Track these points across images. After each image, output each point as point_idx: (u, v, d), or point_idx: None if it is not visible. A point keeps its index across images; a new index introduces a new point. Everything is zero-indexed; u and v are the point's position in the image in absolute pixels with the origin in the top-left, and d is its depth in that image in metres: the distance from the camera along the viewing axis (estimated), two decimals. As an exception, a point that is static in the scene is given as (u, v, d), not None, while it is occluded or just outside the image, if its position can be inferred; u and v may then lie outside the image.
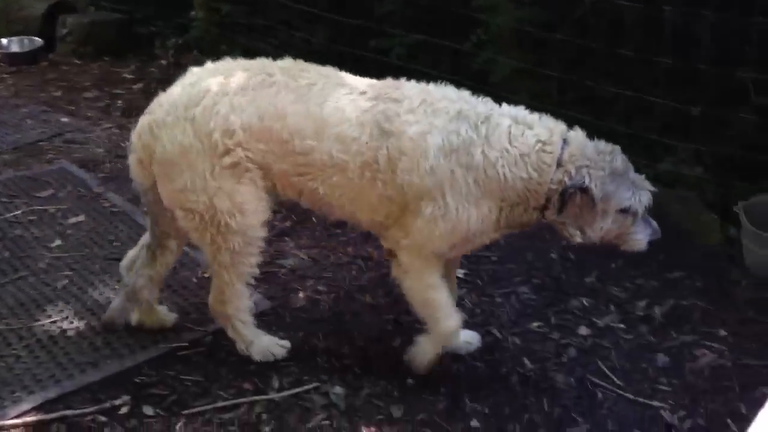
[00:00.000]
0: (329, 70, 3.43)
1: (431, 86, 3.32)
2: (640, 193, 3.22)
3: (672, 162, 4.97)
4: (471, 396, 3.53)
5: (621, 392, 3.56)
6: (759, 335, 3.93)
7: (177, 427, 3.35)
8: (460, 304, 4.08)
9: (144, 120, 3.40)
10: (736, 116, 4.76)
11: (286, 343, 3.75)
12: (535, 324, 3.96)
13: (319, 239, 4.71)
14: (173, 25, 7.86)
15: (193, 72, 3.43)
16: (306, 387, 3.57)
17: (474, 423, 3.40)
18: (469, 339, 3.78)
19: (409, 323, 3.96)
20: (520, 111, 3.29)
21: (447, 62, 6.04)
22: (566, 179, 3.15)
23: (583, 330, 3.93)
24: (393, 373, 3.67)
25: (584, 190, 3.15)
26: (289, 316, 4.02)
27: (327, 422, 3.40)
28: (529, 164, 3.17)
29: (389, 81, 3.38)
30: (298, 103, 3.27)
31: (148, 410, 3.43)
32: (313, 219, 4.82)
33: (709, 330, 3.96)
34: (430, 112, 3.19)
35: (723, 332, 3.95)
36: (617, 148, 3.26)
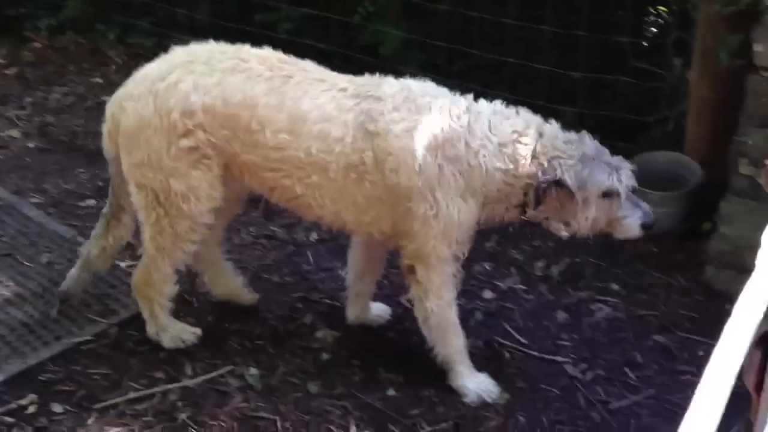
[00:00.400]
0: (308, 64, 3.29)
1: (411, 82, 3.23)
2: (618, 174, 3.12)
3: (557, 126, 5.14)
4: (385, 366, 3.61)
5: (527, 350, 3.72)
6: (648, 287, 4.17)
7: (89, 422, 3.30)
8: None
9: (118, 91, 3.37)
10: (615, 79, 4.97)
11: (197, 330, 3.72)
12: (442, 292, 4.06)
13: (220, 221, 4.65)
14: (45, 5, 7.52)
15: (175, 50, 3.37)
16: (220, 371, 3.56)
17: (390, 392, 3.49)
18: (379, 312, 3.85)
19: (318, 300, 4.01)
20: (498, 104, 3.23)
21: (335, 36, 6.04)
22: (539, 173, 3.09)
23: (488, 294, 4.06)
24: (307, 350, 3.71)
25: (558, 183, 3.08)
26: (197, 301, 3.99)
27: (245, 404, 3.41)
28: (507, 155, 3.11)
29: (369, 78, 3.27)
30: (272, 95, 3.17)
31: (56, 408, 3.35)
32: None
33: (602, 285, 4.16)
34: (414, 109, 3.12)
35: (615, 286, 4.16)
36: (584, 132, 3.21)
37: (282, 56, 3.29)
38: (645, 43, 5.58)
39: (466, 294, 4.04)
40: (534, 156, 3.09)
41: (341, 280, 4.02)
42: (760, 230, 3.22)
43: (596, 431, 3.30)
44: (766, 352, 1.52)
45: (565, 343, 3.73)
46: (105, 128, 3.42)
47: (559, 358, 3.65)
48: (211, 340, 3.73)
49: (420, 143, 3.07)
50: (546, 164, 3.08)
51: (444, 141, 3.07)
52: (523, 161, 3.10)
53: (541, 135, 3.13)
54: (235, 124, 3.18)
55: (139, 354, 3.64)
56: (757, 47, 3.76)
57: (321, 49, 6.00)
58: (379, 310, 3.85)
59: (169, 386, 3.47)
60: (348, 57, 5.97)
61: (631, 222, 3.16)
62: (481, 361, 3.64)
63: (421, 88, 3.20)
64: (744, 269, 3.84)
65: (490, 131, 3.11)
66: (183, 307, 3.91)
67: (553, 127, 3.18)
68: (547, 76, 5.17)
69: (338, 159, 3.13)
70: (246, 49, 3.31)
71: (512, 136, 3.12)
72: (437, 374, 3.56)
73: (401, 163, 3.08)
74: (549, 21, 5.14)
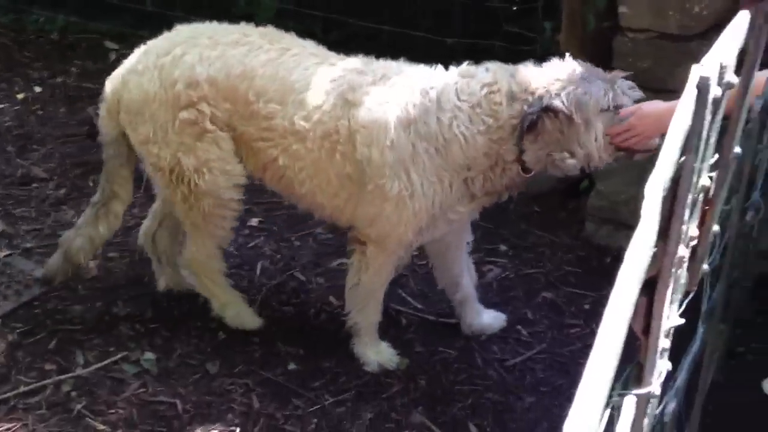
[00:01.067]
0: (308, 42, 3.29)
1: (396, 63, 3.20)
2: (617, 85, 2.95)
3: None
4: (284, 340, 3.59)
5: (423, 315, 3.78)
6: (533, 246, 4.30)
7: (-23, 420, 3.14)
8: (259, 252, 4.12)
9: (118, 68, 3.33)
10: (490, 44, 5.08)
11: (258, 319, 3.63)
12: (336, 262, 4.06)
13: (99, 205, 4.47)
14: None
15: (178, 28, 3.31)
16: (113, 358, 3.45)
17: (292, 366, 3.47)
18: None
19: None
20: (465, 66, 3.12)
21: (207, 6, 5.88)
22: (525, 107, 2.91)
23: (381, 262, 4.08)
24: (203, 330, 3.64)
25: (548, 110, 2.89)
26: (83, 288, 3.83)
27: (142, 390, 3.32)
28: (482, 113, 2.96)
29: (362, 57, 3.22)
30: (268, 66, 3.13)
31: (-59, 408, 3.18)
32: (90, 183, 4.58)
33: (491, 247, 4.26)
34: (389, 85, 3.07)
35: (504, 247, 4.27)
36: (567, 56, 3.09)
37: (282, 33, 3.30)
38: (515, 8, 5.71)
39: (360, 263, 4.06)
40: (512, 97, 2.94)
41: (232, 256, 3.96)
42: (634, 185, 3.38)
43: (494, 389, 3.39)
44: (650, 297, 1.60)
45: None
46: (104, 107, 3.36)
47: (454, 320, 3.72)
48: (102, 326, 3.61)
49: (393, 119, 3.02)
50: (530, 98, 2.92)
51: (416, 118, 3.01)
52: (500, 108, 2.95)
53: (512, 75, 2.99)
54: (235, 96, 3.16)
55: (25, 346, 3.48)
56: (622, 9, 3.91)
57: (191, 20, 5.84)
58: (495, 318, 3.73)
59: (62, 377, 3.34)
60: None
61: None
62: (380, 328, 3.65)
63: (400, 66, 3.16)
64: (621, 223, 4.07)
65: (458, 99, 2.99)
66: (68, 294, 3.76)
67: (527, 66, 3.06)
68: (424, 42, 5.22)
69: (315, 127, 3.09)
70: (249, 27, 3.31)
71: (482, 92, 2.97)
72: (337, 344, 3.57)
73: (373, 138, 3.03)
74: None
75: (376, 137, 3.02)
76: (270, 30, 3.31)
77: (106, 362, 3.42)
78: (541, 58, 4.90)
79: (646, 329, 1.63)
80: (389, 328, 3.68)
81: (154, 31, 5.74)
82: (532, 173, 3.06)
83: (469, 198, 3.12)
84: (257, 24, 5.62)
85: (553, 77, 2.96)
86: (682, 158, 1.48)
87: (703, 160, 1.52)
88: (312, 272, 3.96)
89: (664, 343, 1.65)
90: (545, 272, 4.08)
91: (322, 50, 3.27)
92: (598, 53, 4.28)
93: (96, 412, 3.20)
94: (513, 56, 5.01)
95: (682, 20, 3.72)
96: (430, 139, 3.00)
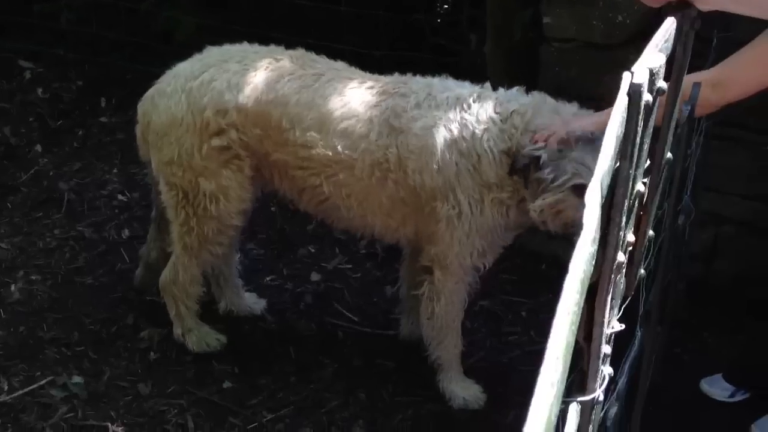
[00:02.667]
0: (339, 64, 3.22)
1: (436, 79, 3.13)
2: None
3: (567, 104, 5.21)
4: (218, 359, 3.52)
5: (359, 327, 3.75)
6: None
7: None
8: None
9: (150, 89, 3.29)
10: (417, 56, 5.09)
11: (222, 337, 3.56)
12: (269, 278, 4.01)
13: (20, 226, 4.32)
14: None
15: (209, 49, 3.28)
16: (40, 383, 3.35)
17: (226, 384, 3.41)
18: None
19: (138, 299, 3.83)
20: (516, 89, 3.05)
21: (124, 23, 5.76)
22: (527, 142, 2.86)
23: (315, 276, 4.04)
24: (132, 351, 3.55)
25: (537, 160, 2.82)
26: (5, 312, 3.70)
27: (71, 414, 3.23)
28: (505, 132, 2.91)
29: (398, 76, 3.15)
30: (303, 92, 3.05)
31: None
32: (8, 205, 4.42)
33: (424, 257, 4.25)
34: (434, 105, 2.98)
35: (437, 257, 4.27)
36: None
37: (314, 56, 3.24)
38: (440, 20, 5.74)
39: (294, 278, 4.03)
40: (525, 129, 2.89)
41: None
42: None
43: (435, 399, 3.37)
44: (591, 303, 1.60)
45: (396, 316, 3.77)
46: (138, 129, 3.36)
47: (391, 332, 3.70)
48: (26, 351, 3.49)
49: (438, 141, 2.95)
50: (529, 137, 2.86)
51: (458, 136, 2.94)
52: (515, 134, 2.89)
53: (538, 107, 2.92)
54: (267, 123, 3.07)
55: (-57, 375, 3.34)
56: (547, 19, 3.96)
57: (110, 38, 5.74)
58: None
59: (-16, 405, 3.20)
60: (141, 45, 5.75)
61: None
62: (317, 343, 3.63)
63: (443, 83, 3.09)
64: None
65: (494, 112, 2.94)
66: (-10, 320, 3.62)
67: (558, 103, 2.98)
68: (352, 55, 5.20)
69: (363, 156, 3.02)
70: (279, 49, 3.26)
71: (512, 109, 2.93)
72: (273, 361, 3.52)
73: (422, 163, 2.98)
74: (346, 2, 5.18)
75: (426, 163, 2.97)
76: (301, 53, 3.23)
77: (32, 387, 3.31)
78: (466, 69, 4.98)
79: (588, 336, 1.63)
80: (325, 343, 3.64)
81: (69, 49, 5.62)
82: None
83: (511, 222, 3.05)
84: (178, 40, 5.60)
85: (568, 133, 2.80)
86: (616, 165, 1.49)
87: (637, 167, 1.53)
88: (243, 289, 3.88)
89: (606, 349, 1.66)
90: (481, 281, 4.08)
91: (356, 72, 3.20)
92: (525, 64, 4.34)
93: (23, 440, 3.08)
94: (439, 68, 5.06)
95: (606, 29, 3.78)
96: (469, 156, 2.94)
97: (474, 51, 4.93)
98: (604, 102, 3.82)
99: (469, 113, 2.95)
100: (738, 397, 3.44)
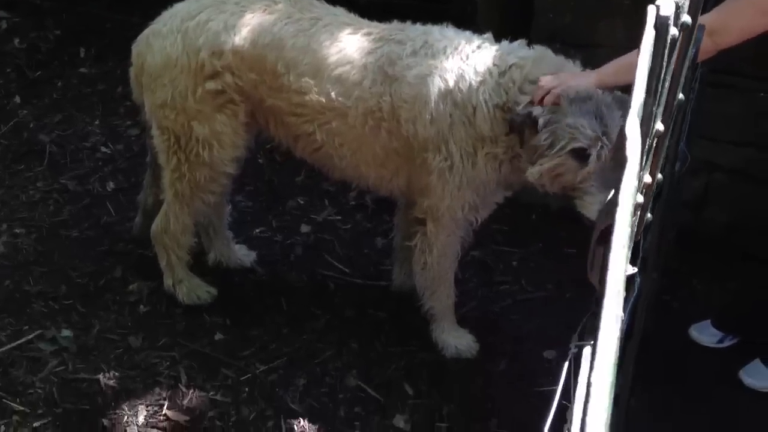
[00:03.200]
0: (339, 9, 3.12)
1: (435, 27, 3.00)
2: (608, 136, 2.63)
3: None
4: (209, 311, 3.48)
5: (351, 279, 3.72)
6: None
7: None
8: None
9: (146, 29, 3.18)
10: (405, 3, 4.99)
11: (213, 290, 3.51)
12: (258, 230, 3.96)
13: (1, 179, 4.22)
14: None
15: None
16: (28, 336, 3.29)
17: (218, 336, 3.37)
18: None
19: (126, 251, 3.77)
20: (519, 42, 2.94)
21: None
22: (524, 99, 2.77)
23: (305, 228, 3.99)
24: (122, 304, 3.50)
25: (531, 117, 2.72)
26: (-10, 265, 3.63)
27: (61, 368, 3.18)
28: (502, 85, 2.81)
29: (396, 23, 3.05)
30: (299, 36, 2.95)
31: None
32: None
33: (414, 208, 4.22)
34: (430, 54, 2.88)
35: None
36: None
37: (313, 0, 3.12)
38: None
39: (283, 230, 3.98)
40: (522, 86, 2.79)
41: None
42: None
43: (427, 348, 3.36)
44: (607, 248, 1.57)
45: (387, 267, 3.74)
46: (132, 71, 3.26)
47: (383, 283, 3.67)
48: (13, 305, 3.43)
49: (433, 90, 2.87)
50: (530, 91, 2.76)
51: (453, 86, 2.85)
52: (512, 88, 2.80)
53: (538, 62, 2.81)
54: (262, 67, 2.99)
55: (-72, 330, 3.27)
56: (541, -35, 3.89)
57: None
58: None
59: (-27, 360, 3.15)
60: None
61: (590, 201, 2.70)
62: (308, 294, 3.60)
63: (442, 32, 2.98)
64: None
65: (492, 64, 2.84)
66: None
67: (560, 58, 2.88)
68: (334, 3, 5.09)
69: (357, 104, 2.94)
70: None
71: (512, 62, 2.83)
72: (264, 312, 3.49)
73: (416, 113, 2.90)
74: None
75: (419, 113, 2.89)
76: None
77: (20, 341, 3.26)
78: (457, 16, 4.89)
79: (603, 279, 1.60)
80: (316, 294, 3.61)
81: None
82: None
83: (503, 179, 2.98)
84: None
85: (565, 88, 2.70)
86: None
87: (658, 105, 1.49)
88: (233, 241, 3.81)
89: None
90: (472, 231, 4.05)
91: (354, 18, 3.11)
92: (516, 11, 4.27)
93: (13, 392, 3.04)
94: (429, 15, 4.97)
95: (600, -25, 3.72)
96: (464, 108, 2.85)
97: (464, -1, 4.85)
98: (600, 48, 3.81)
99: (466, 64, 2.86)
100: (726, 343, 3.46)
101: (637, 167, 0.97)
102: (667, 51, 1.39)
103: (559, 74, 2.80)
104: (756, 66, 3.50)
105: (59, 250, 3.73)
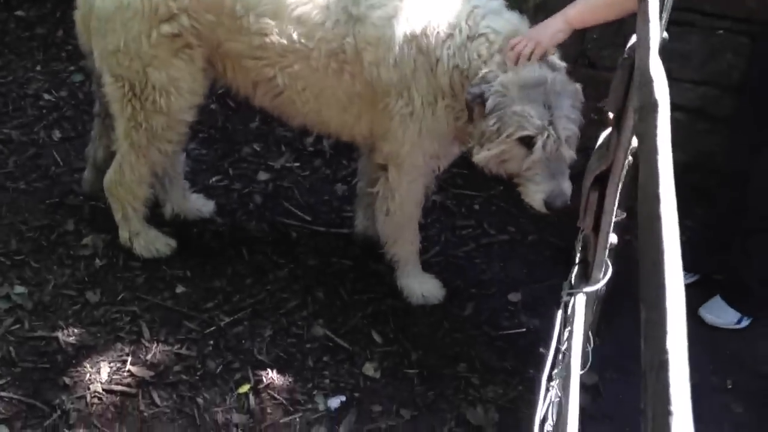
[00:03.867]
0: None
1: None
2: (551, 126, 2.60)
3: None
4: (168, 264, 3.39)
5: (312, 227, 3.65)
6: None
7: None
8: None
9: None
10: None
11: (172, 242, 3.41)
12: (215, 178, 3.85)
13: (-62, 130, 4.04)
14: None
15: None
16: (-21, 295, 3.16)
17: (180, 289, 3.29)
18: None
19: (77, 204, 3.64)
20: (497, 2, 2.82)
21: None
22: (469, 85, 2.70)
23: (262, 175, 3.90)
24: (76, 258, 3.38)
25: (481, 98, 2.66)
26: (-66, 223, 3.47)
27: (17, 326, 3.07)
28: (468, 51, 2.72)
29: None
30: None
31: None
32: None
33: (372, 153, 4.15)
34: None
35: (385, 153, 4.17)
36: (554, 60, 2.74)
37: None
38: None
39: (240, 178, 3.88)
40: (486, 60, 2.71)
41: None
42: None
43: (393, 295, 3.33)
44: (601, 194, 1.54)
45: (349, 214, 3.69)
46: (77, 15, 3.10)
47: (345, 231, 3.62)
48: (-39, 263, 3.28)
49: (398, 33, 2.76)
50: (487, 72, 2.67)
51: (420, 31, 2.75)
52: (476, 61, 2.71)
53: (512, 37, 2.70)
54: (220, 8, 2.83)
55: None
56: None
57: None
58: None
59: None
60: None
61: (534, 190, 2.70)
62: (270, 243, 3.53)
63: None
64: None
65: (465, 22, 2.73)
66: None
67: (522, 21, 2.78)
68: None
69: (319, 45, 2.82)
70: None
71: (483, 30, 2.72)
72: (226, 263, 3.41)
73: (379, 56, 2.79)
74: None
75: (383, 56, 2.79)
76: None
77: (-30, 300, 3.13)
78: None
79: (596, 225, 1.58)
80: (278, 243, 3.54)
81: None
82: None
83: (459, 133, 2.90)
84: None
85: (519, 72, 2.64)
86: (632, 41, 1.41)
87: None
88: (190, 191, 3.71)
89: (612, 238, 1.61)
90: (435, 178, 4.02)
91: None
92: None
93: (-32, 354, 2.93)
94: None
95: None
96: (428, 55, 2.77)
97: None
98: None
99: (437, 11, 2.78)
100: (686, 281, 3.50)
101: (668, 112, 0.93)
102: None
103: (529, 32, 2.73)
104: (717, 3, 3.49)
105: (7, 203, 3.58)
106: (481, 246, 3.63)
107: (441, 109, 2.85)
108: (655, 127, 0.89)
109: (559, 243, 3.63)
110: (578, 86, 2.73)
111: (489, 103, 2.64)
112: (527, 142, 2.64)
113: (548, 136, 2.60)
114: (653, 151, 0.86)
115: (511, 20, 2.79)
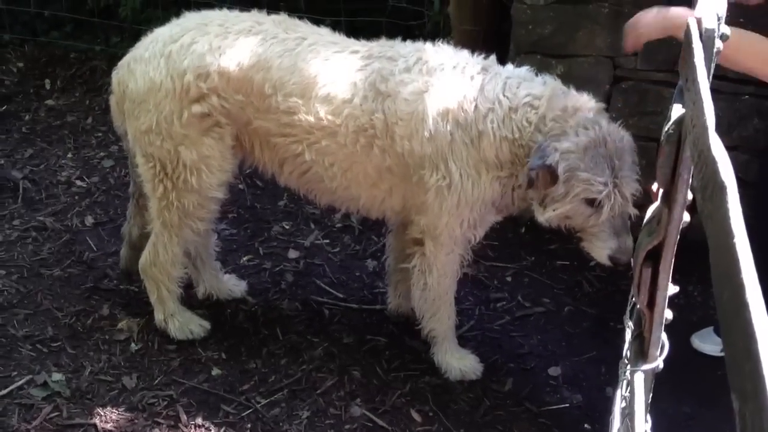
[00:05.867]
0: (323, 30, 3.09)
1: (427, 44, 2.97)
2: (616, 188, 2.67)
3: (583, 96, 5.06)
4: (203, 346, 3.38)
5: (345, 304, 3.64)
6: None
7: None
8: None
9: (126, 56, 3.12)
10: (376, 21, 4.96)
11: (206, 324, 3.42)
12: (245, 258, 3.87)
13: (-27, 218, 4.09)
14: None
15: (187, 15, 3.04)
16: (18, 383, 3.15)
17: (215, 371, 3.27)
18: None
19: (111, 288, 3.65)
20: (523, 69, 2.93)
21: (61, 2, 5.48)
22: (532, 153, 2.74)
23: (293, 253, 3.91)
24: (112, 343, 3.38)
25: (549, 167, 2.69)
26: (-32, 311, 3.48)
27: (56, 414, 3.05)
28: (515, 121, 2.78)
29: (384, 41, 3.03)
30: (285, 56, 2.89)
31: None
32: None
33: (401, 228, 4.16)
34: (425, 71, 2.85)
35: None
36: (602, 110, 2.83)
37: (297, 20, 3.11)
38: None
39: (271, 257, 3.90)
40: (538, 126, 2.76)
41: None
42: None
43: (430, 372, 3.30)
44: (654, 270, 1.53)
45: (381, 290, 3.69)
46: (112, 99, 3.19)
47: (378, 307, 3.61)
48: (-1, 351, 3.29)
49: (431, 108, 2.83)
50: (544, 139, 2.72)
51: (456, 105, 2.82)
52: (528, 129, 2.78)
53: (552, 101, 2.77)
54: (249, 88, 2.92)
55: None
56: (518, -22, 3.88)
57: (48, 16, 5.46)
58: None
59: (-40, 412, 3.01)
60: (82, 22, 5.49)
61: (600, 246, 2.78)
62: (303, 322, 3.52)
63: (436, 49, 2.96)
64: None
65: (503, 94, 2.81)
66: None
67: (572, 95, 2.82)
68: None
69: (347, 122, 2.88)
70: (261, 14, 3.09)
71: (525, 99, 2.79)
72: (260, 344, 3.40)
73: (412, 130, 2.85)
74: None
75: (415, 129, 2.85)
76: (284, 18, 3.09)
77: (10, 388, 3.12)
78: (432, 32, 4.87)
79: (651, 302, 1.56)
80: (312, 322, 3.53)
81: (6, 29, 5.32)
82: None
83: (502, 201, 2.96)
84: (121, 15, 5.36)
85: (577, 128, 2.71)
86: (678, 117, 1.42)
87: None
88: (222, 271, 3.72)
89: (668, 313, 1.58)
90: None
91: (340, 37, 3.06)
92: (493, 23, 4.26)
93: (7, 445, 2.91)
94: (402, 33, 4.94)
95: (578, -16, 3.72)
96: (467, 129, 2.82)
97: (437, 13, 4.82)
98: (581, 57, 3.80)
99: (471, 85, 2.84)
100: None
101: (736, 191, 0.93)
102: (713, 64, 1.35)
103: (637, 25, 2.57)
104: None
105: (43, 290, 3.61)
106: (516, 319, 3.60)
107: (486, 181, 2.88)
108: (726, 209, 0.88)
109: (596, 313, 3.59)
110: (631, 137, 2.79)
111: (560, 170, 2.68)
112: (592, 202, 2.71)
113: (614, 198, 2.68)
114: (728, 234, 0.86)
115: (547, 82, 2.87)
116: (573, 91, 2.85)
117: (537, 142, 2.74)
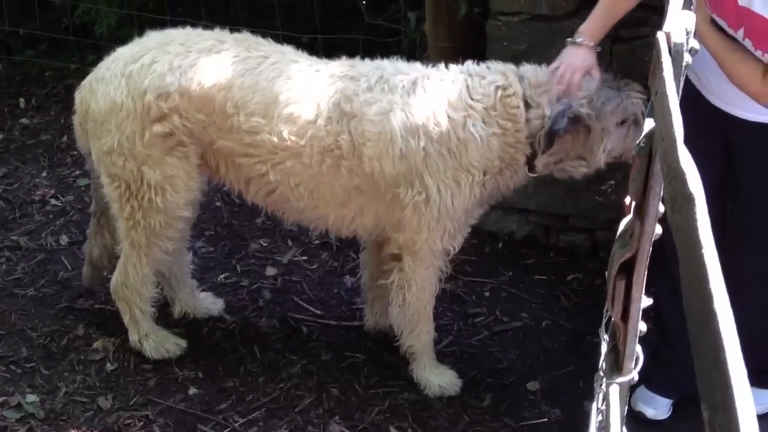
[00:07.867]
0: (286, 48, 3.07)
1: (385, 62, 2.99)
2: (630, 97, 2.88)
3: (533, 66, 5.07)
4: (179, 365, 3.36)
5: (323, 321, 3.62)
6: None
7: None
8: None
9: (88, 76, 3.11)
10: (352, 38, 4.97)
11: (182, 342, 3.37)
12: (223, 276, 3.84)
13: (-54, 239, 4.04)
14: None
15: (149, 34, 3.02)
16: (-9, 405, 3.11)
17: (192, 390, 3.25)
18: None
19: (86, 308, 3.62)
20: (469, 64, 2.97)
21: (33, 18, 5.45)
22: (548, 114, 2.83)
23: (270, 270, 3.89)
24: (87, 363, 3.36)
25: (574, 119, 2.82)
26: (-59, 333, 3.44)
27: (30, 437, 3.01)
28: (498, 116, 2.86)
29: (344, 59, 3.04)
30: (247, 75, 2.87)
31: None
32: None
33: (379, 244, 4.15)
34: (387, 89, 2.86)
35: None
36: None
37: (259, 39, 3.09)
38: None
39: (248, 274, 3.88)
40: (528, 103, 2.86)
41: (106, 280, 3.65)
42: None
43: (409, 388, 3.29)
44: (628, 282, 1.53)
45: (359, 306, 3.67)
46: (76, 119, 3.17)
47: (356, 323, 3.60)
48: (-29, 373, 3.24)
49: (397, 126, 2.83)
50: (547, 104, 2.84)
51: (424, 120, 2.83)
52: (518, 112, 2.85)
53: (522, 79, 2.89)
54: (210, 108, 2.90)
55: None
56: (492, -6, 3.90)
57: (23, 34, 5.44)
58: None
59: (-68, 435, 2.97)
60: (57, 41, 5.46)
61: None
62: (281, 339, 3.50)
63: (394, 66, 2.97)
64: (509, 208, 4.06)
65: (470, 98, 2.86)
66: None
67: (529, 67, 2.96)
68: (284, 40, 5.05)
69: (311, 142, 2.87)
70: (223, 32, 3.10)
71: (496, 94, 2.86)
72: (238, 362, 3.38)
73: (381, 150, 2.85)
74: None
75: (385, 150, 2.86)
76: (246, 36, 3.07)
77: (-18, 411, 3.08)
78: (408, 49, 4.89)
79: (625, 314, 1.56)
80: (290, 339, 3.52)
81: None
82: (537, 174, 3.01)
83: (483, 200, 3.02)
84: (96, 32, 5.34)
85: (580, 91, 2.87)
86: (649, 130, 1.43)
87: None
88: (198, 289, 3.69)
89: (642, 326, 1.59)
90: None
91: (303, 56, 3.06)
92: (468, 40, 4.27)
93: (-20, 469, 2.86)
94: (379, 49, 4.96)
95: (552, 1, 3.74)
96: (442, 141, 2.84)
97: (413, 30, 4.84)
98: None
99: (435, 98, 2.85)
100: None
101: (704, 202, 0.93)
102: (681, 78, 1.37)
103: (562, 60, 2.89)
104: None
105: (16, 310, 3.57)
106: (494, 334, 3.60)
107: (467, 189, 2.91)
108: (695, 220, 0.89)
109: (574, 328, 3.60)
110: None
111: (586, 116, 2.82)
112: (626, 120, 2.89)
113: (636, 102, 2.88)
114: (696, 245, 0.86)
115: (503, 71, 2.93)
116: (521, 66, 2.97)
117: (544, 114, 2.83)
